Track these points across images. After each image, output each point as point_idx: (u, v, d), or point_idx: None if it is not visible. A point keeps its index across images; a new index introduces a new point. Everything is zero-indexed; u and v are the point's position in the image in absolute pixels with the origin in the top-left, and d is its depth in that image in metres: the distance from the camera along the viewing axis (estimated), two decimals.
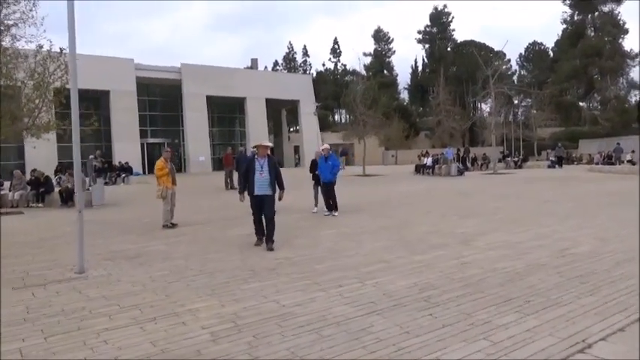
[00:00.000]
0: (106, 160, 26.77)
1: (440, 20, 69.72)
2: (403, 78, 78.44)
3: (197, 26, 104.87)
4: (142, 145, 34.26)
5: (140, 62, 33.47)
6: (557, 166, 27.55)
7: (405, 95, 79.16)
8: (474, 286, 5.06)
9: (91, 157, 26.02)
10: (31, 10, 15.96)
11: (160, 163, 9.50)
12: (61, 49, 14.74)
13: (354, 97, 26.76)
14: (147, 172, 34.24)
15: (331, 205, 10.85)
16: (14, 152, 30.76)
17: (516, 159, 33.68)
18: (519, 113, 56.10)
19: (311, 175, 11.73)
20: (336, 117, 78.33)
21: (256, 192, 7.38)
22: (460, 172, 24.12)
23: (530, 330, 3.79)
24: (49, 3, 16.11)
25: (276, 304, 4.65)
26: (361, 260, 6.39)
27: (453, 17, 70.04)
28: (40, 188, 14.69)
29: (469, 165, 31.31)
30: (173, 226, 9.59)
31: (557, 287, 4.96)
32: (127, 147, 31.73)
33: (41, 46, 15.75)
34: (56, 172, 25.19)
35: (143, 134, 35.54)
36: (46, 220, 12.03)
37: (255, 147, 7.81)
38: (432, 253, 6.73)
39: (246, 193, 7.60)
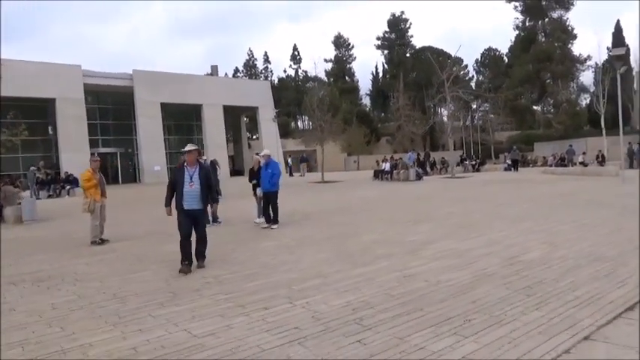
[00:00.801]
0: (51, 172, 25.29)
1: (398, 27, 70.49)
2: (365, 84, 78.82)
3: (155, 32, 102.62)
4: (93, 154, 32.67)
5: (89, 69, 32.01)
6: (512, 169, 27.83)
7: (367, 101, 79.59)
8: (414, 303, 4.58)
9: (33, 168, 24.61)
10: None
11: (86, 173, 8.69)
12: None
13: (311, 103, 26.30)
14: None
15: (270, 217, 10.01)
16: None
17: (474, 162, 34.01)
18: (476, 117, 57.21)
19: (251, 184, 11.04)
20: (299, 124, 77.95)
21: (186, 206, 6.34)
22: (419, 177, 23.99)
23: (465, 357, 3.32)
24: None
25: (186, 334, 4.02)
26: (296, 276, 5.83)
27: (410, 24, 70.94)
28: None
29: (429, 169, 31.34)
30: (103, 242, 8.79)
31: (502, 301, 4.53)
32: (75, 157, 30.08)
33: None
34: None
35: (94, 144, 33.97)
36: None
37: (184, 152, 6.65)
38: (376, 264, 6.24)
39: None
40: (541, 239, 7.43)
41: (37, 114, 31.64)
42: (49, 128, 32.69)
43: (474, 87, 63.75)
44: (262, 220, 10.28)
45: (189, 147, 6.53)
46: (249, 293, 5.18)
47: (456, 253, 6.74)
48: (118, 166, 34.65)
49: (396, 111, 48.84)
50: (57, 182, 23.63)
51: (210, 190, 6.61)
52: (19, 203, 12.95)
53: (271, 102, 40.07)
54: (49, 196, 22.75)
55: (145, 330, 4.18)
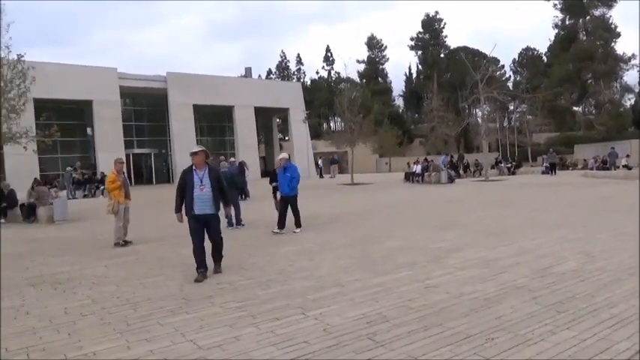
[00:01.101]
0: (87, 172, 25.96)
1: (432, 27, 69.39)
2: (398, 85, 78.01)
3: (192, 37, 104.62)
4: (128, 155, 33.45)
5: (124, 71, 32.75)
6: (550, 172, 26.65)
7: (400, 102, 78.73)
8: (433, 318, 4.29)
9: (69, 168, 25.33)
10: None
11: (111, 175, 8.77)
12: (18, 55, 14.10)
13: (341, 104, 26.05)
14: (133, 183, 33.51)
15: (284, 222, 9.68)
16: None
17: (509, 165, 32.97)
18: (513, 119, 55.59)
19: (272, 187, 10.85)
20: (331, 125, 77.79)
21: (197, 211, 6.05)
22: (451, 180, 23.38)
23: None
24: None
25: (192, 345, 3.87)
26: (313, 284, 5.61)
27: (445, 23, 69.74)
28: (2, 203, 13.89)
29: (462, 172, 30.58)
30: (126, 243, 8.83)
31: (529, 318, 4.19)
32: (111, 158, 30.62)
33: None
34: (33, 185, 24.38)
35: (129, 144, 34.75)
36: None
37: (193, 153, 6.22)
38: (397, 273, 5.96)
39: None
40: (577, 249, 6.97)
41: (75, 116, 32.60)
42: (88, 130, 33.64)
43: (510, 87, 62.13)
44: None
45: (195, 148, 6.23)
46: (262, 302, 5.00)
47: (483, 262, 6.38)
48: (152, 167, 35.31)
49: (430, 112, 48.00)
50: (92, 182, 24.19)
51: (222, 193, 6.32)
52: (51, 203, 13.25)
53: (302, 103, 40.03)
54: (85, 196, 23.34)
55: (151, 339, 4.06)
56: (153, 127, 36.24)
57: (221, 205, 6.39)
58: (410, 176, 24.92)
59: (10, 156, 28.21)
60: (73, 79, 29.70)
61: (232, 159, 19.12)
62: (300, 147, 37.85)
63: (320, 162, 34.72)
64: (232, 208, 10.81)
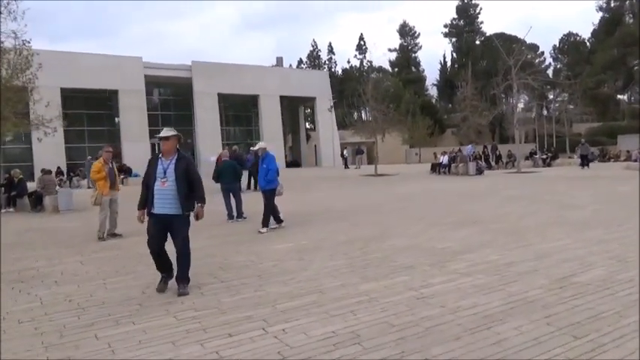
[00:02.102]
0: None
1: (467, 13, 66.99)
2: (433, 74, 75.92)
3: (226, 28, 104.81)
4: (154, 145, 33.55)
5: (149, 61, 32.73)
6: (582, 165, 24.37)
7: (434, 91, 76.66)
8: (415, 340, 3.51)
9: (89, 158, 25.36)
10: (8, 4, 15.19)
11: (97, 164, 8.27)
12: (24, 41, 13.87)
13: (365, 92, 25.08)
14: None
15: (279, 217, 8.85)
16: (22, 153, 30.54)
17: (545, 156, 31.21)
18: (552, 108, 53.04)
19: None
20: (362, 115, 76.54)
21: (157, 209, 4.90)
22: (479, 171, 22.14)
23: None
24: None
25: None
26: (290, 290, 4.90)
27: (481, 9, 67.20)
28: (12, 191, 13.76)
29: (493, 163, 29.16)
30: (115, 236, 8.33)
31: (537, 344, 3.36)
32: (136, 147, 31.06)
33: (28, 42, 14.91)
34: (57, 174, 24.60)
35: (155, 133, 34.74)
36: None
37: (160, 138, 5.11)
38: (389, 279, 5.18)
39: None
40: (608, 253, 5.98)
41: (103, 105, 32.87)
42: (116, 119, 33.89)
43: (550, 75, 59.34)
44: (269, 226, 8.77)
45: (166, 132, 5.00)
46: (223, 311, 4.32)
47: (493, 267, 5.51)
48: None
49: (462, 101, 46.27)
50: None
51: (193, 189, 5.00)
52: (57, 193, 13.00)
53: (329, 92, 39.18)
54: None
55: (74, 357, 3.44)
56: (178, 117, 36.22)
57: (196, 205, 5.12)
58: (436, 167, 23.79)
59: (38, 145, 28.62)
60: (100, 68, 29.85)
61: (252, 148, 18.53)
62: (326, 137, 37.08)
63: (345, 152, 33.82)
64: (233, 199, 10.27)
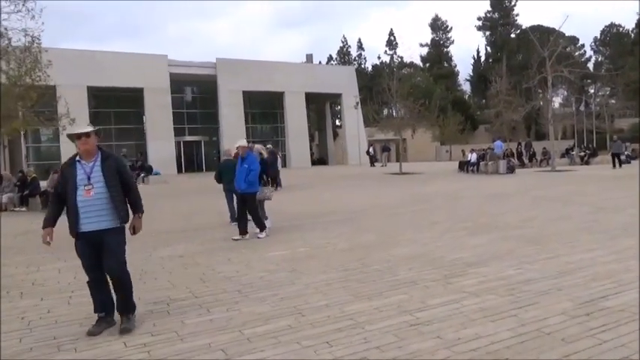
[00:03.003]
0: (132, 159, 26.02)
1: (502, 5, 64.69)
2: (466, 69, 73.88)
3: (259, 26, 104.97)
4: (179, 143, 33.61)
5: (175, 58, 32.72)
6: (614, 165, 21.90)
7: (467, 87, 74.60)
8: None
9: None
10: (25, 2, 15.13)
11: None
12: (33, 39, 13.71)
13: (390, 88, 24.19)
14: (184, 171, 33.62)
15: (245, 226, 7.92)
16: (52, 151, 31.08)
17: (583, 154, 29.52)
18: (593, 103, 50.54)
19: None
20: (393, 112, 75.20)
21: (84, 227, 3.84)
22: (510, 170, 20.96)
23: None
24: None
25: None
26: (266, 310, 4.27)
27: (516, 1, 64.68)
28: (24, 190, 13.67)
29: (526, 161, 27.78)
30: None
31: None
32: (161, 145, 31.13)
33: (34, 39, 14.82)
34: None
35: (180, 132, 34.91)
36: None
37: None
38: (384, 297, 4.49)
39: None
40: None
41: (131, 103, 33.06)
42: (144, 117, 34.07)
43: (591, 68, 56.57)
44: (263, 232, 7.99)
45: (82, 128, 4.02)
46: (181, 337, 3.74)
47: (507, 285, 4.73)
48: (202, 155, 35.24)
49: (495, 96, 44.61)
50: (133, 170, 24.08)
51: (130, 193, 4.06)
52: None
53: (355, 88, 38.33)
54: None
55: None
56: (204, 115, 36.18)
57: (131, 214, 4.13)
58: (464, 166, 22.71)
59: (65, 143, 29.00)
60: (125, 67, 29.98)
61: (269, 146, 18.07)
62: (352, 134, 36.28)
63: (371, 150, 32.95)
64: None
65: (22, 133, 21.05)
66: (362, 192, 15.27)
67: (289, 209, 11.52)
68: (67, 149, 28.03)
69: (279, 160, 17.88)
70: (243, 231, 7.75)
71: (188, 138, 35.35)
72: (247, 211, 7.92)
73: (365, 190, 16.02)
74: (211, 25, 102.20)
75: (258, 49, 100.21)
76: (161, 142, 31.20)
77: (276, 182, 16.95)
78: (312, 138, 49.81)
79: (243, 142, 8.34)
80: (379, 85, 71.85)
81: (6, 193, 14.14)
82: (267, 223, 8.32)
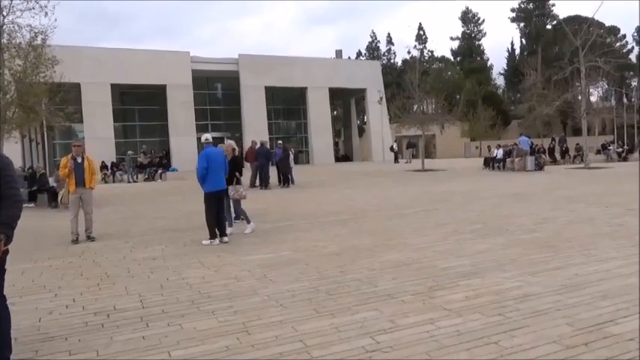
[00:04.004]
0: (151, 155, 26.01)
1: None
2: (500, 62, 71.54)
3: (288, 23, 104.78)
4: (199, 139, 33.49)
5: (197, 55, 32.64)
6: None
7: (500, 81, 72.22)
8: None
9: (130, 152, 25.54)
10: None
11: (63, 159, 7.52)
12: (36, 34, 13.53)
13: (411, 82, 23.27)
14: None
15: (224, 228, 7.37)
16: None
17: (620, 150, 27.79)
18: (634, 96, 47.90)
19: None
20: (415, 107, 73.55)
21: None
22: (539, 167, 19.77)
23: None
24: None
25: None
26: (211, 326, 3.73)
27: None
28: (33, 186, 13.61)
29: (558, 157, 26.37)
30: (90, 239, 7.55)
31: None
32: (183, 142, 31.13)
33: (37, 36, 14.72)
34: (101, 168, 24.94)
35: (204, 128, 34.81)
36: None
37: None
38: (350, 314, 3.88)
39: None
40: None
41: (153, 101, 33.21)
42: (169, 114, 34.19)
43: (633, 60, 53.60)
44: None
45: None
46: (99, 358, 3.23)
47: (499, 301, 4.03)
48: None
49: (528, 90, 42.82)
50: (152, 166, 24.09)
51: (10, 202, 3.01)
52: None
53: (380, 83, 37.39)
54: (145, 179, 23.29)
55: None
56: (227, 111, 36.00)
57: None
58: (490, 162, 21.60)
59: (90, 140, 29.37)
60: (149, 64, 30.07)
61: (280, 142, 17.59)
62: (377, 130, 35.40)
63: (395, 146, 31.99)
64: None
65: (36, 129, 21.18)
66: (376, 190, 14.56)
67: (294, 208, 10.98)
68: (92, 146, 28.41)
69: (292, 157, 17.33)
70: (213, 234, 7.16)
71: (211, 134, 35.22)
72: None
73: (380, 188, 15.30)
74: (242, 24, 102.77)
75: (288, 47, 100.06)
76: (183, 139, 31.19)
77: (287, 179, 16.45)
78: (337, 134, 49.14)
79: (205, 137, 7.72)
80: (407, 80, 70.63)
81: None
82: (249, 227, 7.84)
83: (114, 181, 23.88)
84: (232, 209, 9.11)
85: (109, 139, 29.48)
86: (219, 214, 7.23)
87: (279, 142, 17.50)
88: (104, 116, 29.47)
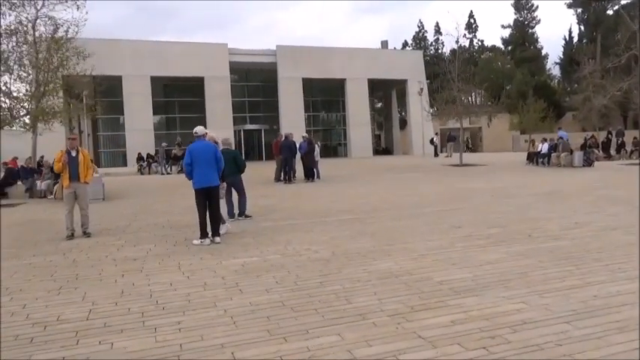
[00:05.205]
0: (185, 148, 26.15)
1: None
2: (556, 51, 67.72)
3: (339, 13, 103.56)
4: (238, 131, 33.61)
5: (235, 47, 32.59)
6: None
7: (556, 71, 68.45)
8: None
9: (164, 144, 25.75)
10: None
11: (57, 153, 7.29)
12: (57, 25, 13.58)
13: (450, 71, 22.08)
14: (244, 159, 33.55)
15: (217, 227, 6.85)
16: (119, 139, 32.33)
17: None
18: None
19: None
20: (467, 98, 70.91)
21: None
22: (588, 162, 18.25)
23: None
24: None
25: None
26: (143, 347, 3.27)
27: None
28: (57, 179, 13.74)
29: (613, 152, 24.42)
30: (85, 235, 7.34)
31: None
32: (220, 134, 31.05)
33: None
34: (137, 160, 25.34)
35: (242, 120, 34.92)
36: (14, 215, 10.77)
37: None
38: (303, 340, 3.31)
39: None
40: None
41: (191, 93, 33.50)
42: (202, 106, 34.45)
43: None
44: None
45: None
46: None
47: (487, 329, 3.34)
48: (262, 143, 34.94)
49: (583, 79, 40.15)
50: (180, 159, 24.12)
51: None
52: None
53: (422, 73, 36.07)
54: (179, 172, 23.38)
55: None
56: (265, 103, 35.87)
57: None
58: (533, 157, 20.19)
59: (130, 132, 30.02)
60: (187, 56, 30.32)
61: (304, 134, 17.11)
62: (417, 122, 34.20)
63: (435, 139, 30.75)
64: (238, 194, 8.86)
65: (73, 121, 21.62)
66: (401, 186, 13.80)
67: (306, 205, 10.45)
68: (132, 137, 29.01)
69: (317, 150, 16.77)
70: (204, 234, 6.71)
71: (248, 126, 35.29)
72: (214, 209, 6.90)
73: (407, 183, 14.51)
74: (291, 14, 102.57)
75: (337, 37, 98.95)
76: (220, 132, 31.02)
77: (312, 173, 15.93)
78: (379, 127, 48.06)
79: (197, 130, 7.24)
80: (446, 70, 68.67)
81: (45, 180, 14.39)
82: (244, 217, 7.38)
83: (149, 173, 24.17)
84: (235, 206, 8.75)
85: (149, 130, 29.98)
86: (211, 212, 6.80)
87: (304, 134, 16.99)
88: (144, 108, 29.98)
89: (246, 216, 8.68)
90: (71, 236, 7.26)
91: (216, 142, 7.69)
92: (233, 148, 9.25)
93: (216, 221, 6.83)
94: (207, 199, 6.75)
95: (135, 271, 5.29)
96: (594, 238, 6.15)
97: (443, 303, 3.94)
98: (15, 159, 17.98)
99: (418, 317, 3.64)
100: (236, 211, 8.69)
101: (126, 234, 7.64)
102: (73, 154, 7.27)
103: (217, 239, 6.68)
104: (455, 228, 7.12)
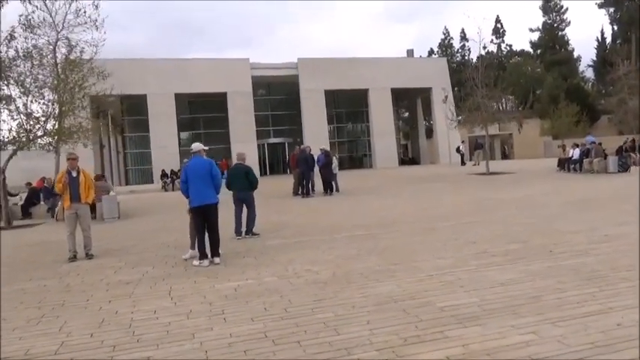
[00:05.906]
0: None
1: None
2: (588, 53, 65.64)
3: (369, 21, 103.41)
4: (261, 146, 33.63)
5: (257, 61, 32.75)
6: None
7: (589, 73, 66.30)
8: None
9: (185, 160, 25.87)
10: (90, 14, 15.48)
11: (58, 175, 7.18)
12: (71, 47, 13.75)
13: (473, 77, 21.42)
14: (267, 174, 33.56)
15: (204, 249, 6.44)
16: (144, 157, 32.77)
17: None
18: None
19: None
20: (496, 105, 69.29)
21: None
22: (624, 168, 17.26)
23: None
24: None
25: None
26: None
27: None
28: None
29: None
30: (88, 257, 7.19)
31: None
32: (244, 148, 31.23)
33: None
34: (161, 177, 25.55)
35: (265, 134, 34.96)
36: (28, 236, 10.80)
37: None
38: None
39: None
40: None
41: (215, 108, 33.78)
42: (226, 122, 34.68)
43: None
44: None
45: None
46: None
47: None
48: (286, 157, 34.84)
49: (617, 81, 38.68)
50: None
51: None
52: (100, 201, 12.54)
53: (447, 81, 35.35)
54: None
55: None
56: (288, 116, 35.81)
57: None
58: (564, 163, 19.27)
59: (156, 149, 30.40)
60: (209, 72, 30.62)
61: (322, 147, 16.77)
62: (443, 131, 33.46)
63: (462, 147, 29.93)
64: (247, 210, 8.59)
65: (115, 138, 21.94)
66: (423, 198, 13.28)
67: (320, 220, 10.09)
68: (157, 155, 29.33)
69: (335, 163, 16.41)
70: (202, 254, 6.43)
71: (272, 140, 35.30)
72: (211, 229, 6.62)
73: (428, 195, 13.96)
74: (318, 28, 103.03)
75: (364, 49, 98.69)
76: (243, 145, 31.11)
77: (330, 186, 15.57)
78: (405, 136, 47.35)
79: (194, 146, 7.01)
80: (486, 77, 67.27)
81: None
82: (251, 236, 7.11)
83: (173, 190, 24.29)
84: (243, 224, 8.49)
85: (173, 147, 30.29)
86: (210, 232, 6.54)
87: (322, 147, 16.67)
88: (168, 125, 30.37)
89: (253, 234, 8.38)
90: (74, 258, 7.12)
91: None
92: (245, 163, 8.94)
93: (215, 242, 6.55)
94: (204, 219, 6.49)
95: (123, 297, 5.05)
96: (624, 253, 5.57)
97: (441, 334, 3.51)
98: (43, 179, 18.32)
99: (409, 352, 3.23)
100: (243, 228, 8.41)
101: (129, 255, 7.46)
102: (74, 174, 7.16)
103: (217, 260, 6.40)
104: (469, 244, 6.63)
